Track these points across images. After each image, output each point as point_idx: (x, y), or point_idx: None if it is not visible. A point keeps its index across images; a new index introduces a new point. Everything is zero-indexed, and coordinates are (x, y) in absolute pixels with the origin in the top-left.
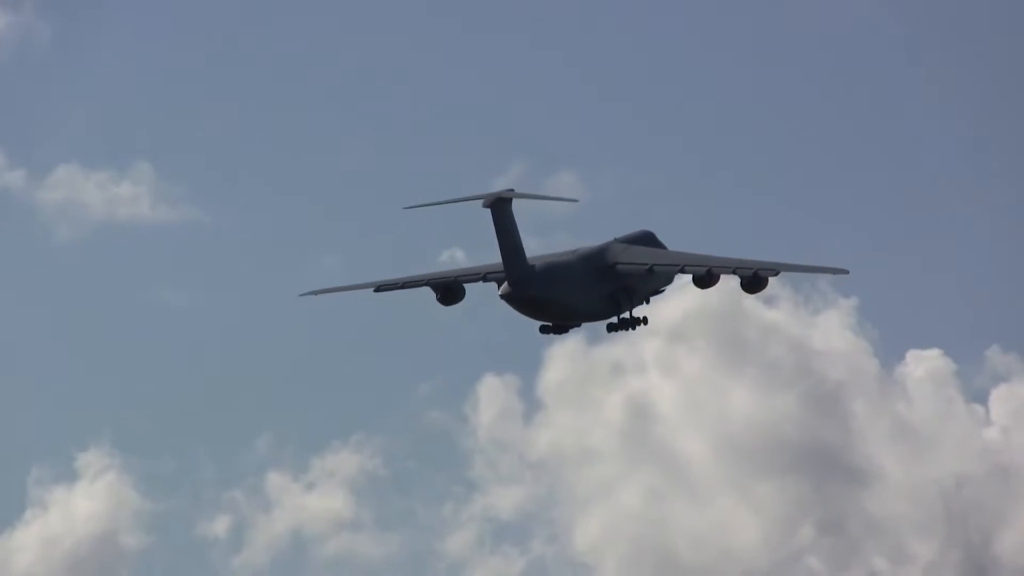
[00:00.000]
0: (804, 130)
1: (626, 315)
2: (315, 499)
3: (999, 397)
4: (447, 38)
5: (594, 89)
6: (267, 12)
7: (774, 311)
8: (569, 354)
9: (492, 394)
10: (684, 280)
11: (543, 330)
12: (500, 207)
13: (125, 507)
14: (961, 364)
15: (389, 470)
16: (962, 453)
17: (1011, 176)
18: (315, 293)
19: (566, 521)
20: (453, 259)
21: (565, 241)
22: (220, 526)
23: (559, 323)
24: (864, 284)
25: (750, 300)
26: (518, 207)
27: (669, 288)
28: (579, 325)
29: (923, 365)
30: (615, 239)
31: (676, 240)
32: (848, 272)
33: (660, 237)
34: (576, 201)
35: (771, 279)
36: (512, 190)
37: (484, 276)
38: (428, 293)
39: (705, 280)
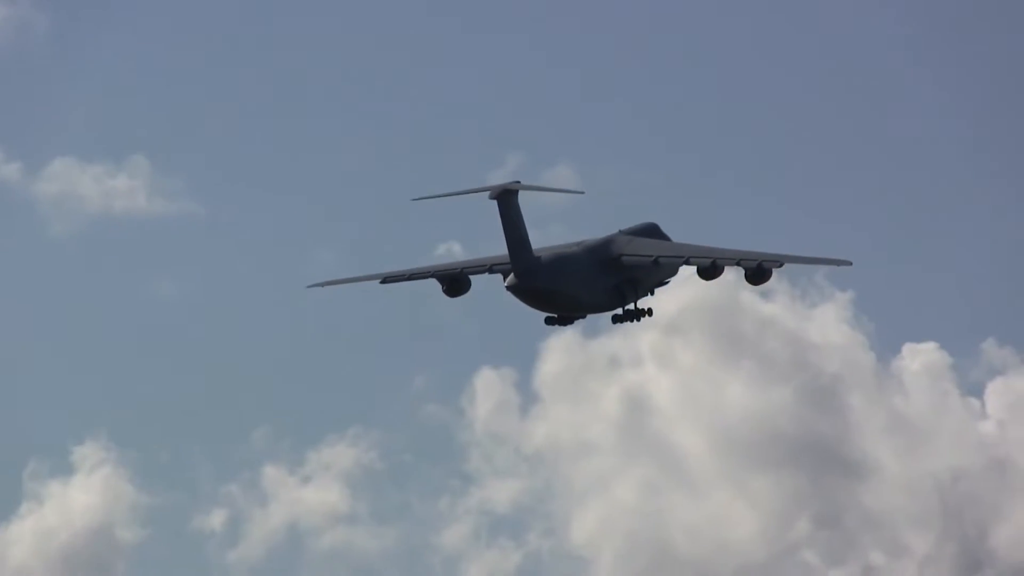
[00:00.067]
0: (801, 125)
1: (631, 306)
2: (311, 493)
3: (995, 391)
4: (444, 35)
5: (592, 83)
6: (265, 5)
7: (771, 304)
8: (566, 347)
9: (489, 387)
10: (688, 272)
11: (548, 321)
12: (506, 199)
13: (121, 501)
14: (957, 357)
15: (385, 463)
16: (958, 447)
17: (1007, 171)
18: (321, 285)
19: (562, 514)
20: (450, 252)
21: (562, 234)
22: (216, 520)
23: (565, 314)
24: (860, 277)
25: (747, 293)
26: (520, 199)
27: (672, 280)
28: (584, 316)
29: (919, 358)
30: (620, 231)
31: (672, 233)
32: (851, 263)
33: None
34: (582, 193)
35: (774, 270)
36: (519, 182)
37: (490, 268)
38: (434, 285)
39: (710, 272)
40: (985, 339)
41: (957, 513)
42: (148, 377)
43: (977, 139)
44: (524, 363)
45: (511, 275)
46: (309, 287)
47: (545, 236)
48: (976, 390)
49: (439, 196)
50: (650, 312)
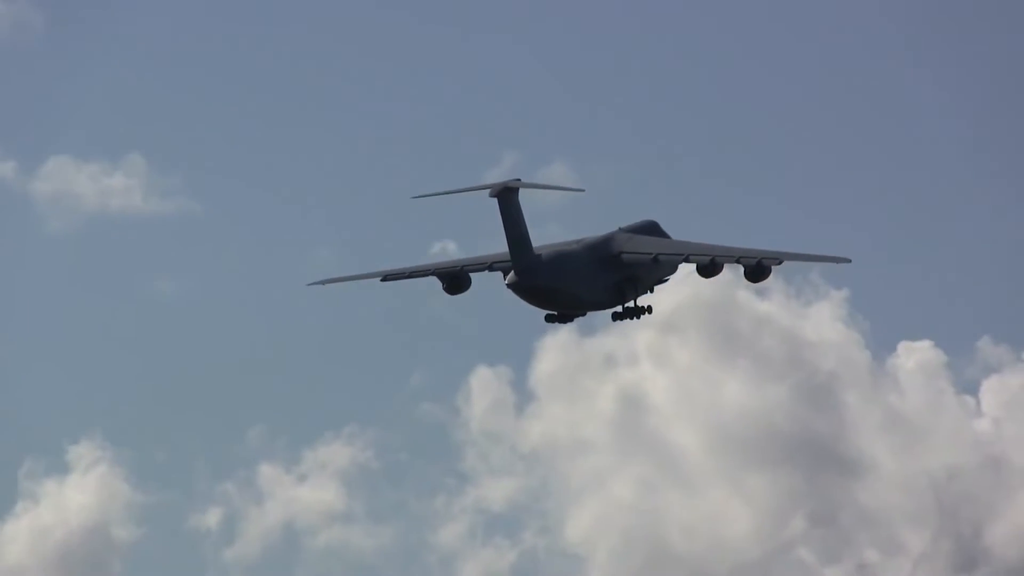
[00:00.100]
0: (801, 125)
1: (631, 304)
2: (307, 491)
3: (990, 388)
4: (441, 33)
5: (591, 80)
6: (261, 2)
7: (766, 302)
8: (561, 345)
9: (484, 385)
10: (687, 270)
11: (548, 319)
12: (507, 197)
13: (117, 499)
14: (952, 355)
15: (381, 462)
16: (953, 444)
17: (1002, 169)
18: (323, 283)
19: (558, 513)
20: (445, 251)
21: (558, 232)
22: (212, 518)
23: (565, 312)
24: (856, 276)
25: (743, 291)
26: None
27: (672, 278)
28: (584, 314)
29: (914, 356)
30: (619, 228)
31: (671, 232)
32: (851, 261)
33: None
34: (583, 191)
35: (773, 268)
36: (519, 180)
37: (491, 265)
38: (435, 283)
39: (709, 269)
40: (980, 337)
41: (952, 511)
42: (144, 376)
43: (972, 138)
44: (520, 361)
45: (511, 273)
46: (310, 285)
47: (542, 235)
48: (971, 388)
49: (440, 194)
50: (650, 309)
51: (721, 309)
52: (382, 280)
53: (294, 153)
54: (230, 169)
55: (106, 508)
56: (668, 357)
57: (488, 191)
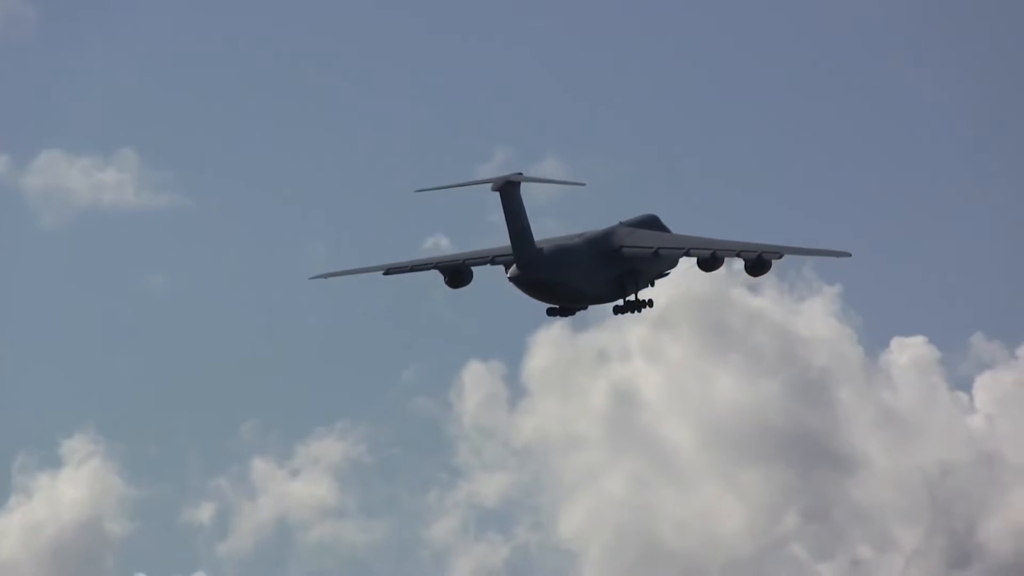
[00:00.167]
0: (800, 124)
1: (632, 297)
2: (300, 486)
3: (983, 385)
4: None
5: (591, 78)
6: None
7: (759, 298)
8: (554, 341)
9: (477, 380)
10: (686, 265)
11: (550, 312)
12: (509, 191)
13: (110, 494)
14: (945, 351)
15: (374, 457)
16: (946, 441)
17: (996, 166)
18: (325, 276)
19: (551, 508)
20: (437, 246)
21: (554, 227)
22: (205, 513)
23: (566, 305)
24: (849, 271)
25: (736, 287)
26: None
27: (670, 272)
28: (586, 308)
29: (907, 352)
30: (620, 223)
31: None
32: (851, 255)
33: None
34: (583, 185)
35: (774, 261)
36: (520, 174)
37: (492, 259)
38: (436, 276)
39: (710, 263)
40: (973, 333)
41: (945, 507)
42: (137, 370)
43: (967, 135)
44: (513, 356)
45: (513, 266)
46: (312, 278)
47: (541, 229)
48: (964, 384)
49: (442, 188)
50: (651, 303)
51: (714, 305)
52: (384, 274)
53: (286, 147)
54: (221, 164)
55: (99, 502)
56: (661, 353)
57: (490, 185)
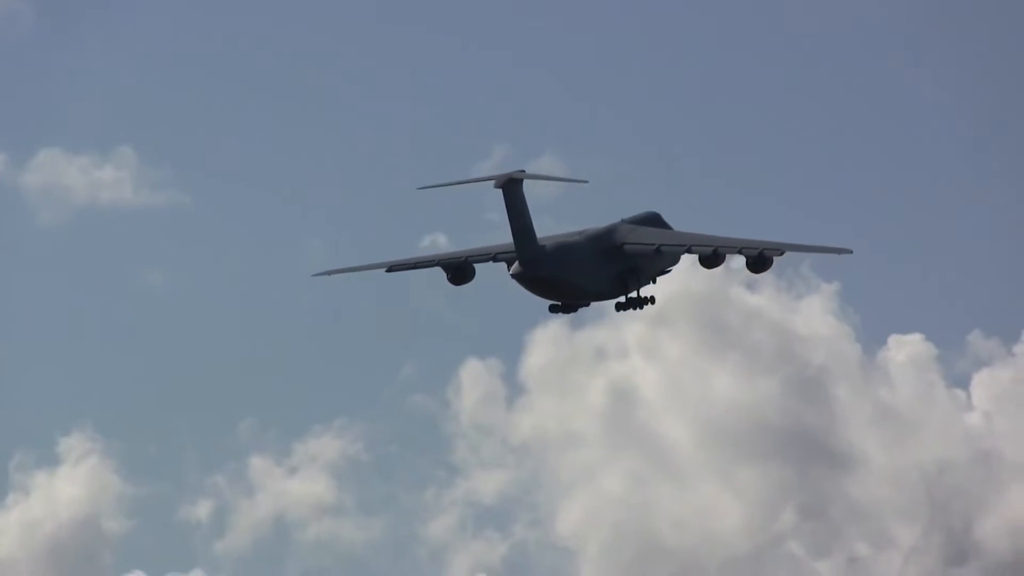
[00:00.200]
0: (800, 125)
1: (634, 294)
2: (298, 484)
3: (981, 382)
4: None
5: (591, 76)
6: None
7: (757, 296)
8: (552, 338)
9: (475, 378)
10: (688, 261)
11: (552, 309)
12: (511, 188)
13: (107, 492)
14: (943, 349)
15: (371, 455)
16: (944, 438)
17: (994, 164)
18: (328, 273)
19: (549, 506)
20: (435, 244)
21: (556, 224)
22: (202, 510)
23: (569, 302)
24: (847, 269)
25: (734, 285)
26: None
27: (672, 269)
28: (588, 304)
29: (905, 350)
30: (622, 220)
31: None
32: (852, 251)
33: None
34: (586, 182)
35: (775, 258)
36: (523, 171)
37: (495, 256)
38: (439, 273)
39: (711, 260)
40: (971, 331)
41: (943, 505)
42: (134, 368)
43: (964, 134)
44: (511, 354)
45: (516, 263)
46: (315, 275)
47: (541, 227)
48: (962, 381)
49: (444, 185)
50: (652, 300)
51: (712, 302)
52: (387, 271)
53: (283, 145)
54: (220, 162)
55: (97, 500)
56: (659, 350)
57: (493, 182)
